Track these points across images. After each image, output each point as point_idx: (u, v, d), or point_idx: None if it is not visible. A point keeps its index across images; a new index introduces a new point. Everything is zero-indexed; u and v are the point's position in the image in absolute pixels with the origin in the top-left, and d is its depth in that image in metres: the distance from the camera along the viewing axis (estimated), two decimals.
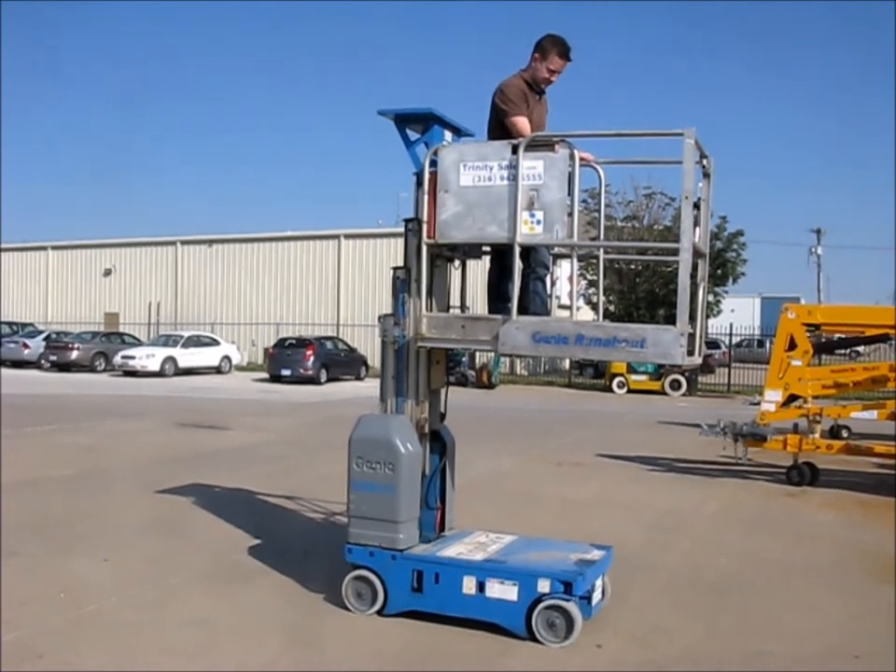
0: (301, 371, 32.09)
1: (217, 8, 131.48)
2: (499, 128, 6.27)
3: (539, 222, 5.65)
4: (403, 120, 6.30)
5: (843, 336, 15.70)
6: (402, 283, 6.25)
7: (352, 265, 41.87)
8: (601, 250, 6.40)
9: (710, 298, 41.79)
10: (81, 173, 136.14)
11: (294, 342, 33.70)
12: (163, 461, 12.93)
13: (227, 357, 36.83)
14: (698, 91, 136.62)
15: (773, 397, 12.77)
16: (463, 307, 6.85)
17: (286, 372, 32.26)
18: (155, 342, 36.87)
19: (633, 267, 36.54)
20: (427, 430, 6.37)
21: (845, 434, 15.79)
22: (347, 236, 42.24)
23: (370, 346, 38.66)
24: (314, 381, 31.88)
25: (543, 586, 5.64)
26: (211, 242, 45.32)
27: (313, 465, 12.94)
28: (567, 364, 37.41)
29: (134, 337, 39.74)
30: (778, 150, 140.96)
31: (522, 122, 6.19)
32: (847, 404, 15.37)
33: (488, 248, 6.63)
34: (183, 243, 46.15)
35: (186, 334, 36.48)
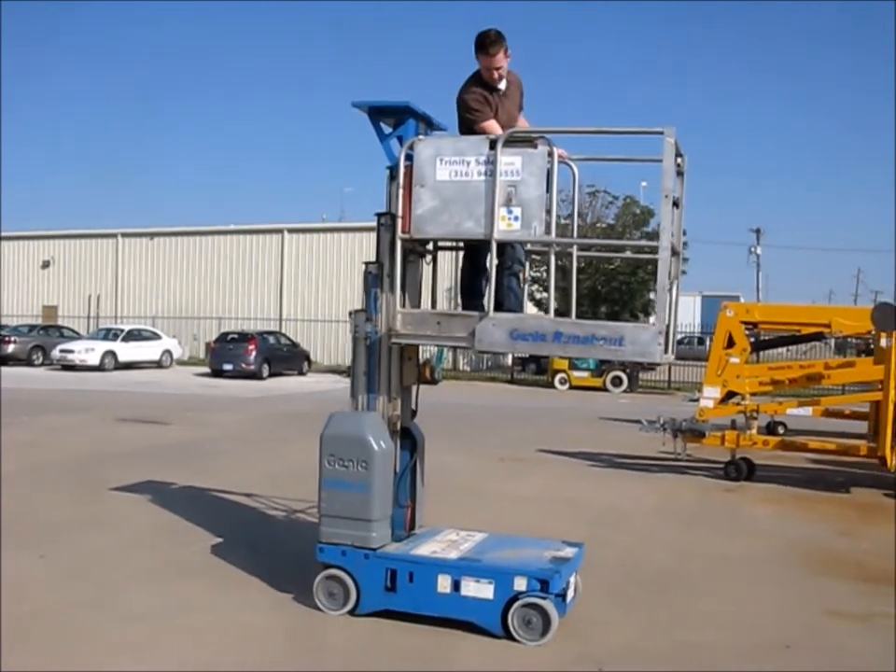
0: (244, 365, 31.76)
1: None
2: (470, 133, 6.17)
3: (516, 218, 5.62)
4: (378, 113, 6.21)
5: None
6: (374, 278, 6.17)
7: (295, 260, 41.50)
8: (575, 248, 6.40)
9: (651, 296, 42.35)
10: (18, 164, 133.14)
11: (236, 336, 33.33)
12: (104, 456, 12.70)
13: (168, 352, 36.27)
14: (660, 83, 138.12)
15: (711, 393, 13.00)
16: (434, 303, 6.80)
17: (227, 367, 31.92)
18: (94, 335, 36.12)
19: (578, 263, 36.70)
20: (398, 427, 6.31)
21: (781, 430, 15.97)
22: (291, 230, 41.83)
23: (312, 341, 38.52)
24: (256, 376, 31.57)
25: (520, 584, 5.62)
26: (153, 235, 44.68)
27: (256, 460, 12.87)
28: (509, 360, 37.49)
29: (73, 330, 38.91)
30: (719, 151, 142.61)
31: (490, 126, 6.09)
32: (784, 401, 15.62)
33: (448, 244, 6.60)
34: (124, 235, 45.35)
35: (126, 328, 35.79)
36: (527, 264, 6.54)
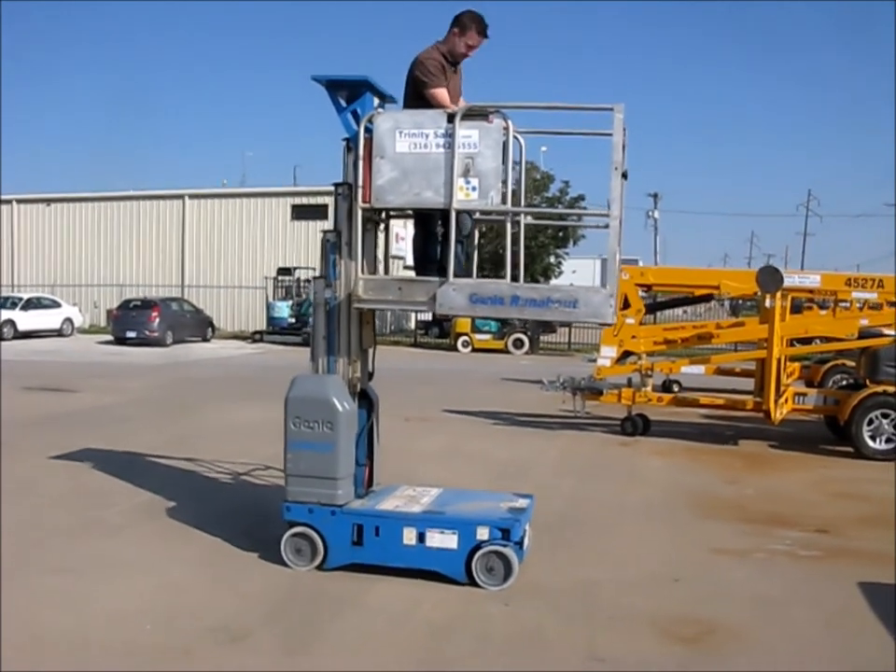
0: (147, 332, 31.33)
1: None
2: (417, 99, 6.40)
3: (474, 189, 5.91)
4: (336, 87, 6.40)
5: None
6: (332, 245, 6.40)
7: (197, 225, 40.74)
8: (523, 216, 6.73)
9: (552, 259, 43.11)
10: None
11: (139, 303, 32.77)
12: (13, 424, 12.50)
13: (69, 320, 35.41)
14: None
15: (608, 353, 13.62)
16: (387, 269, 7.05)
17: (131, 334, 31.45)
18: None
19: (478, 229, 37.14)
20: (357, 389, 6.57)
21: (676, 388, 16.63)
22: (192, 196, 41.04)
23: (216, 307, 38.16)
24: (159, 343, 31.18)
25: (482, 534, 5.99)
26: (49, 201, 43.39)
27: (165, 425, 13.02)
28: (412, 323, 37.78)
29: None
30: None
31: (441, 94, 6.36)
32: (678, 360, 16.31)
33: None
34: (19, 201, 43.76)
35: (25, 296, 34.83)
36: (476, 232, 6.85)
